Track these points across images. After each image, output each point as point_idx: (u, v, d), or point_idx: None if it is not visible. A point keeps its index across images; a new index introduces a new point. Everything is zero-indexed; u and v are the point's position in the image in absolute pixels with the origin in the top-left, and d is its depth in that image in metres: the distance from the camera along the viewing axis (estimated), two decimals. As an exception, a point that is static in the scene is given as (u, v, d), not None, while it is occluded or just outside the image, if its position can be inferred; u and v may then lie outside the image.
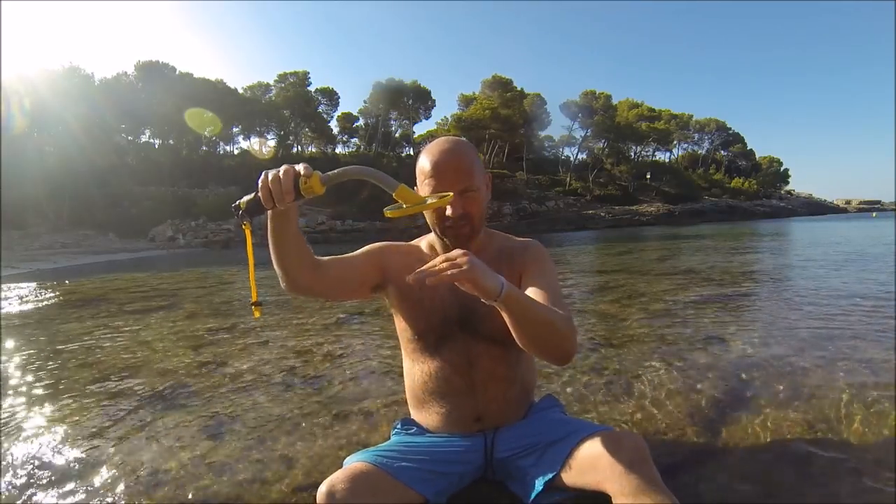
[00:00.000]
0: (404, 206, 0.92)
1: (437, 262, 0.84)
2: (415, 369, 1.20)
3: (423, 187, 1.09)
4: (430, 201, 0.93)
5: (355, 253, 1.20)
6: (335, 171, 0.91)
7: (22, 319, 4.58)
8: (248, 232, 0.99)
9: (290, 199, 0.89)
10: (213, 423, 1.80)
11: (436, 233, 1.15)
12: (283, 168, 0.90)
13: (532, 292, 1.06)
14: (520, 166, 45.62)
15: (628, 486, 0.88)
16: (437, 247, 1.20)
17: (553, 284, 1.09)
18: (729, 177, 61.39)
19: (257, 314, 1.04)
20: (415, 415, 1.24)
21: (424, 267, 0.85)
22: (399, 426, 1.25)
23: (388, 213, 0.96)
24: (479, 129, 41.28)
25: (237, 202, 0.96)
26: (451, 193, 0.96)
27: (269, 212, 0.96)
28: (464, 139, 1.16)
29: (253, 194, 0.93)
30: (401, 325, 1.22)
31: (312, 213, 30.04)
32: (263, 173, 0.91)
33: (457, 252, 0.86)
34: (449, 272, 0.82)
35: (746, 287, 4.61)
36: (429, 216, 1.12)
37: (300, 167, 0.90)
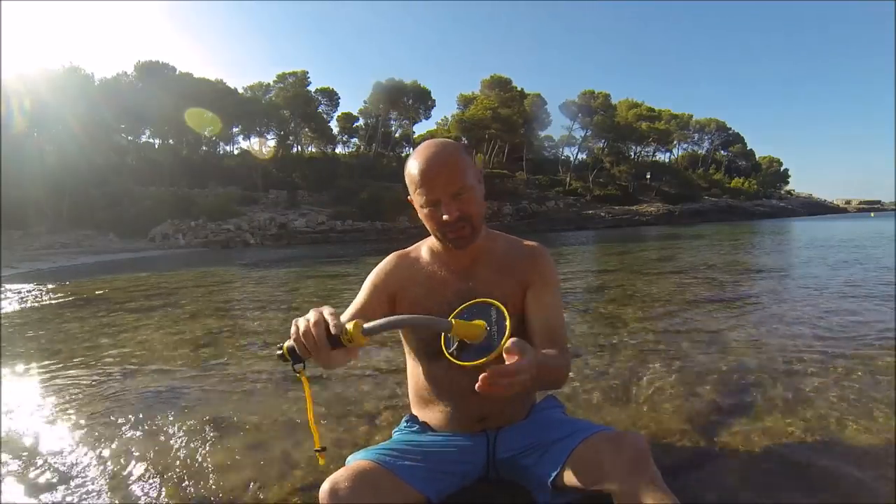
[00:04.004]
0: (464, 340, 0.87)
1: (514, 370, 0.78)
2: (419, 369, 1.20)
3: (416, 196, 1.06)
4: (497, 344, 0.83)
5: (365, 295, 1.17)
6: (376, 322, 0.83)
7: (22, 319, 4.58)
8: (304, 379, 0.92)
9: (326, 352, 0.83)
10: (213, 424, 1.80)
11: (436, 236, 1.13)
12: (311, 318, 0.82)
13: (536, 316, 1.11)
14: (520, 166, 45.60)
15: (630, 486, 0.88)
16: (440, 250, 1.18)
17: (557, 309, 1.14)
18: (729, 177, 61.31)
19: (322, 461, 0.93)
20: (418, 413, 1.24)
21: (496, 377, 0.77)
22: (405, 422, 1.25)
23: (466, 364, 0.87)
24: (479, 129, 41.24)
25: (280, 349, 0.90)
26: (507, 315, 0.87)
27: None
28: (450, 140, 1.13)
29: (291, 340, 0.87)
30: (406, 333, 1.22)
31: (312, 213, 30.04)
32: (294, 324, 0.85)
33: (524, 361, 0.78)
34: (515, 381, 0.78)
35: (747, 287, 4.62)
36: (427, 221, 1.09)
37: (328, 315, 0.82)
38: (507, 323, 0.85)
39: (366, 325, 0.82)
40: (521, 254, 1.19)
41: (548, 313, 1.11)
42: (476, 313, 0.89)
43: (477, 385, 0.79)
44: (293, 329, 0.85)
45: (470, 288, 1.13)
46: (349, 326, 0.81)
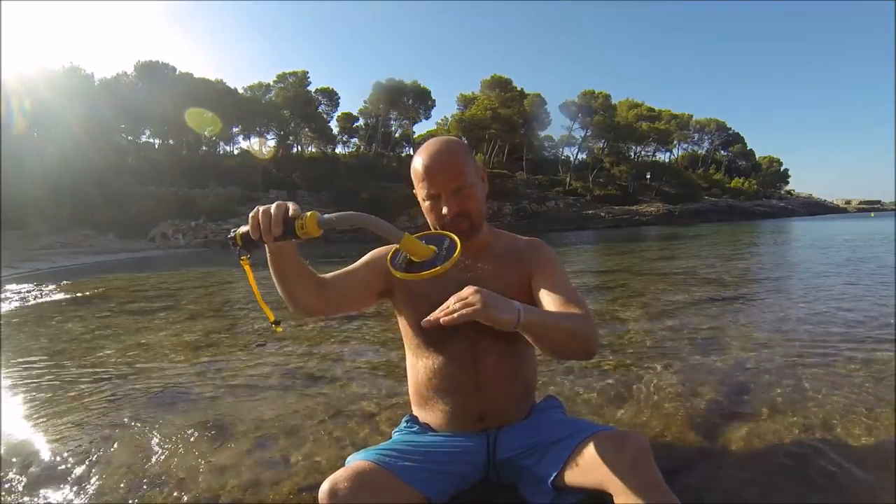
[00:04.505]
0: (410, 256, 0.91)
1: (450, 302, 0.85)
2: (419, 365, 1.20)
3: (419, 189, 1.12)
4: (439, 265, 0.88)
5: (358, 263, 1.21)
6: (335, 214, 0.89)
7: (22, 319, 4.58)
8: (247, 267, 0.98)
9: (278, 232, 0.88)
10: (213, 424, 1.80)
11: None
12: (275, 203, 0.91)
13: (546, 294, 1.08)
14: (520, 166, 45.58)
15: (631, 486, 0.88)
16: None
17: (565, 282, 1.11)
18: (729, 177, 61.28)
19: (279, 330, 1.07)
20: (418, 413, 1.24)
21: (437, 311, 0.86)
22: (405, 423, 1.25)
23: (397, 274, 0.93)
24: (479, 130, 41.25)
25: (232, 233, 0.95)
26: (459, 244, 0.93)
27: (267, 249, 0.97)
28: (455, 138, 1.18)
29: (247, 226, 0.92)
30: (406, 322, 1.22)
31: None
32: (256, 207, 0.91)
33: (468, 291, 0.86)
34: (464, 311, 0.83)
35: (746, 287, 4.61)
36: (427, 215, 1.13)
37: (290, 204, 0.91)
38: (457, 250, 0.90)
39: (322, 216, 0.87)
40: (522, 246, 1.21)
41: (557, 287, 1.09)
42: (431, 241, 0.94)
43: (423, 320, 0.85)
44: (252, 213, 0.90)
45: (470, 279, 1.13)
46: (307, 214, 0.87)
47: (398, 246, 0.90)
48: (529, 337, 0.92)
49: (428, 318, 0.86)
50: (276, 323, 1.05)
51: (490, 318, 0.84)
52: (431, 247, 0.92)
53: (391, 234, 0.89)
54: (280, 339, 3.16)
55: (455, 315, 0.83)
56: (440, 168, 1.08)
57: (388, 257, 0.96)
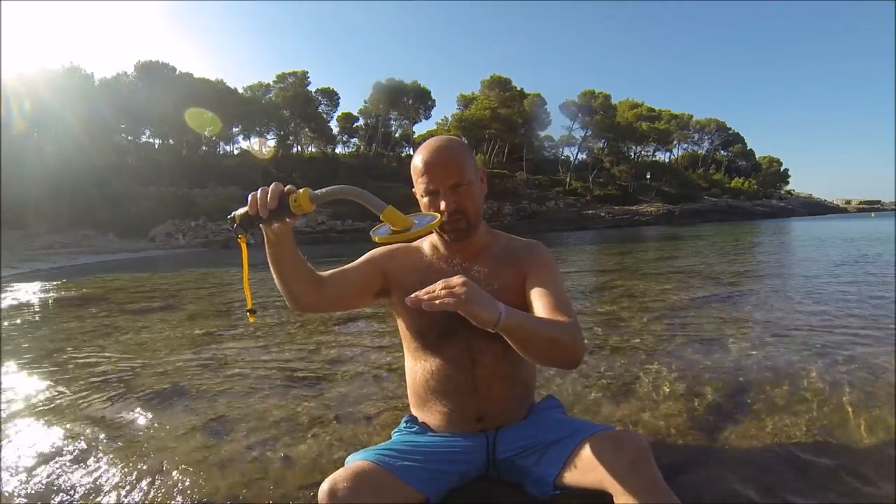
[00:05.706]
0: (391, 228, 0.95)
1: (437, 287, 0.85)
2: (417, 367, 1.20)
3: (418, 185, 1.12)
4: (416, 229, 0.93)
5: (357, 262, 1.21)
6: (324, 189, 0.94)
7: (22, 319, 4.57)
8: (243, 245, 1.02)
9: (273, 205, 0.92)
10: (213, 424, 1.80)
11: (434, 230, 1.15)
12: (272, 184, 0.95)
13: (537, 297, 1.07)
14: (520, 166, 45.57)
15: (630, 486, 0.88)
16: (439, 244, 1.20)
17: (558, 288, 1.10)
18: (729, 177, 61.31)
19: (252, 319, 1.09)
20: (417, 414, 1.24)
21: (422, 292, 0.86)
22: (404, 423, 1.25)
23: (375, 238, 0.98)
24: (479, 129, 41.27)
25: (231, 214, 0.99)
26: (439, 216, 0.98)
27: (265, 239, 1.00)
28: (455, 138, 1.18)
29: (246, 207, 0.97)
30: (404, 323, 1.22)
31: (313, 212, 30.02)
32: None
33: (457, 280, 0.86)
34: (446, 300, 0.83)
35: (746, 287, 4.61)
36: (425, 211, 1.13)
37: (289, 186, 0.95)
38: (435, 221, 0.95)
39: (314, 192, 0.93)
40: (520, 247, 1.21)
41: (548, 291, 1.08)
42: (416, 219, 0.99)
43: (407, 297, 0.87)
44: (251, 194, 0.95)
45: None
46: (300, 190, 0.92)
47: (382, 217, 0.94)
48: (510, 340, 0.90)
49: (412, 295, 0.86)
50: (252, 312, 1.07)
51: (470, 312, 0.83)
52: (413, 220, 0.96)
53: (375, 205, 0.93)
54: (281, 339, 3.17)
55: (437, 302, 0.83)
56: (440, 164, 1.08)
57: (373, 230, 0.99)
